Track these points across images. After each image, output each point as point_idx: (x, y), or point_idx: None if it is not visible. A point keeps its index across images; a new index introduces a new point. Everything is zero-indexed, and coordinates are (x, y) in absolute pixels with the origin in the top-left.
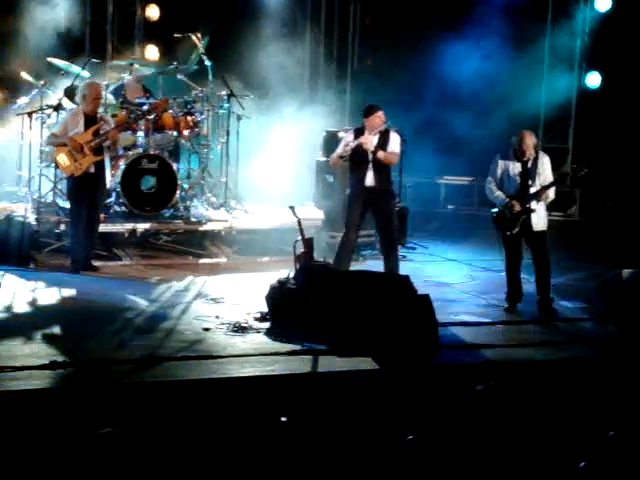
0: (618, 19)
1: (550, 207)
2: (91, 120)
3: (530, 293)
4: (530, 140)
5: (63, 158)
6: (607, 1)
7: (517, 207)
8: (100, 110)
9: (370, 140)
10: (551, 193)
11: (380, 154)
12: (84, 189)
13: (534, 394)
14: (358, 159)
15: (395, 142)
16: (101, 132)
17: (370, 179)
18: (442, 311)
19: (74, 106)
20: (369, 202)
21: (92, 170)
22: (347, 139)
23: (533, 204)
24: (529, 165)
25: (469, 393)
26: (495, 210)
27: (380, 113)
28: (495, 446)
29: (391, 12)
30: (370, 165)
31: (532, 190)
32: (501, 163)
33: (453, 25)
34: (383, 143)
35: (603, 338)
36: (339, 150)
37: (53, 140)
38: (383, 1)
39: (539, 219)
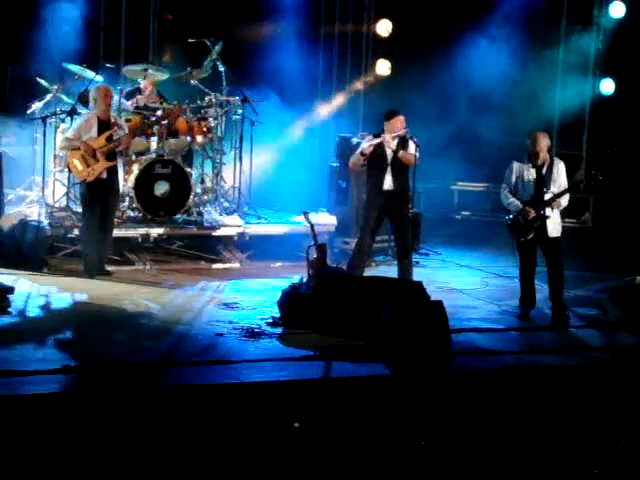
0: (632, 25)
1: (563, 213)
2: (105, 125)
3: (544, 300)
4: (544, 142)
5: (76, 163)
6: (621, 7)
7: (532, 213)
8: (114, 114)
9: (391, 140)
10: (564, 201)
11: (401, 153)
12: (97, 194)
13: (547, 401)
14: (376, 162)
15: (412, 148)
16: (114, 137)
17: (388, 182)
18: (455, 317)
19: (88, 111)
20: (386, 206)
21: (104, 176)
22: (367, 139)
23: (547, 211)
24: (544, 171)
25: (482, 399)
26: (510, 217)
27: (401, 117)
28: (508, 452)
29: (405, 17)
30: (389, 168)
31: (547, 197)
32: (516, 169)
33: (467, 32)
34: (402, 147)
35: (616, 345)
36: (361, 147)
37: (66, 144)
38: (397, 6)
39: (554, 225)
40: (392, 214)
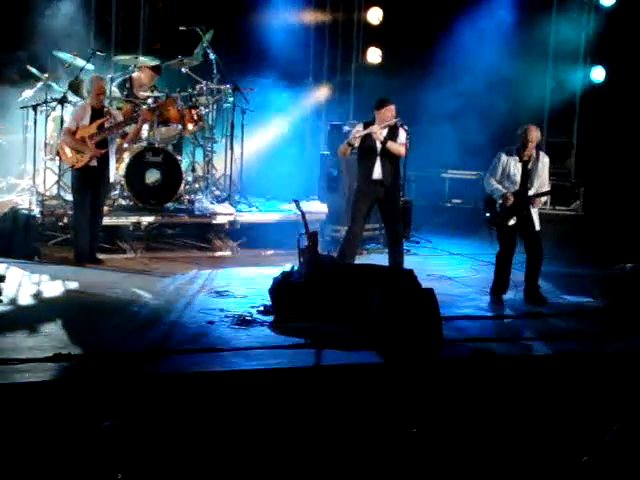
0: (623, 13)
1: (553, 202)
2: (98, 113)
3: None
4: (535, 134)
5: (65, 149)
6: None
7: (510, 200)
8: (107, 103)
9: (380, 131)
10: (543, 199)
11: (390, 144)
12: (87, 182)
13: (538, 388)
14: (366, 151)
15: (403, 136)
16: (106, 126)
17: (378, 172)
18: (446, 305)
19: (78, 99)
20: (376, 195)
21: (94, 163)
22: (357, 129)
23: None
24: (529, 166)
25: (472, 387)
26: (487, 213)
27: (392, 107)
28: (498, 440)
29: (395, 5)
30: (378, 158)
31: (530, 192)
32: (503, 161)
33: (457, 20)
34: (392, 136)
35: (607, 332)
36: (349, 137)
37: (66, 139)
38: None
39: (536, 219)
40: (382, 203)
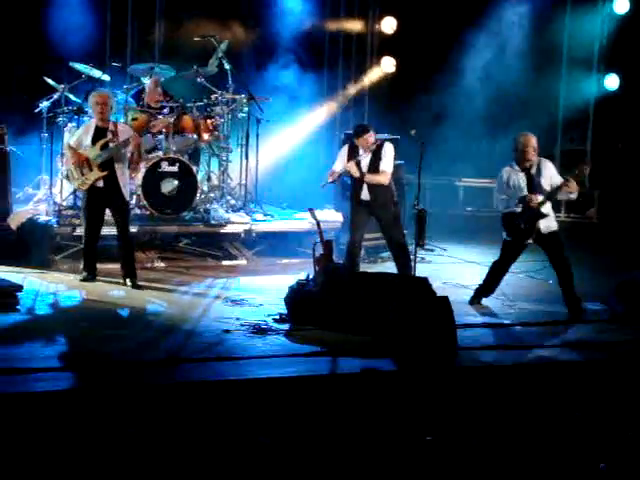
0: (636, 21)
1: (568, 208)
2: (102, 133)
3: (549, 295)
4: (534, 141)
5: (71, 171)
6: (625, 3)
7: (535, 200)
8: (120, 120)
9: (354, 167)
10: (573, 193)
11: (367, 178)
12: (95, 203)
13: (554, 396)
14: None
15: (388, 159)
16: (110, 146)
17: (365, 193)
18: (461, 313)
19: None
20: (369, 212)
21: (101, 184)
22: (341, 156)
23: (546, 207)
24: (533, 171)
25: (488, 395)
26: (506, 229)
27: (370, 134)
28: (515, 447)
29: (409, 14)
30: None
31: (540, 198)
32: (506, 176)
33: (472, 28)
34: (375, 161)
35: (621, 340)
36: (336, 168)
37: (66, 152)
38: (402, 3)
39: (547, 221)
40: (376, 218)
